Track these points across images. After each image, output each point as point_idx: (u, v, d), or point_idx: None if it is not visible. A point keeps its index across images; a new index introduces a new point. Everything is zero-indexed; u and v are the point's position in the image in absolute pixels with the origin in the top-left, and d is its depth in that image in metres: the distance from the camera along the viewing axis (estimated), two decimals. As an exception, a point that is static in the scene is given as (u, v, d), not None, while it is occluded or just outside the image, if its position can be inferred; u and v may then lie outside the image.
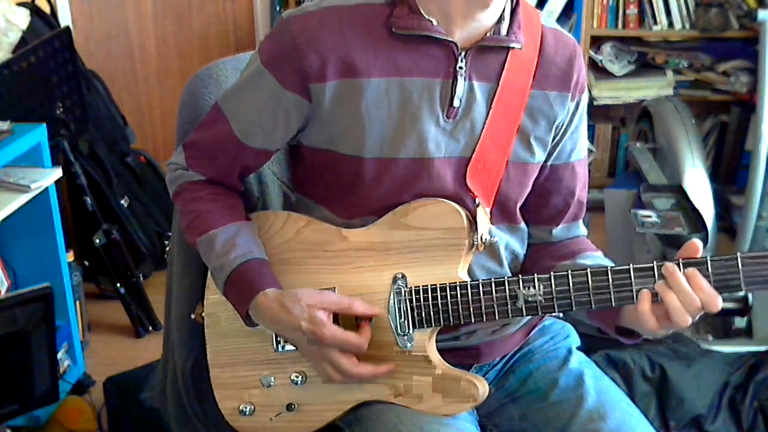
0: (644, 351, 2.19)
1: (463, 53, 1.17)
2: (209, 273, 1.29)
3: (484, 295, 1.16)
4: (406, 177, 1.19)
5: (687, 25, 3.47)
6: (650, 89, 3.56)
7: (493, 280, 1.16)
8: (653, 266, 1.10)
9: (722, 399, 2.14)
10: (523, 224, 1.31)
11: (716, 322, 2.66)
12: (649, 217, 2.65)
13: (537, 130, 1.24)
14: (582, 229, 1.36)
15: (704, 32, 3.41)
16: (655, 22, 3.48)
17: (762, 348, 2.32)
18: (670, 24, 3.48)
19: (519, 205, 1.28)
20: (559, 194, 1.31)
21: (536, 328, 1.38)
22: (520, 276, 1.15)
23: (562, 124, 1.26)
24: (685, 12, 3.45)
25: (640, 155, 3.21)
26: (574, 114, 1.27)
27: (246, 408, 1.26)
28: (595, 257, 1.29)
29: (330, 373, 1.18)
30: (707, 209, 2.78)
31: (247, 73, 1.23)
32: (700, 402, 2.12)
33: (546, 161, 1.28)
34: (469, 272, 1.22)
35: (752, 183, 2.72)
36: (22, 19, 2.71)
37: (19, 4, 2.80)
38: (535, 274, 1.15)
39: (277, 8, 3.95)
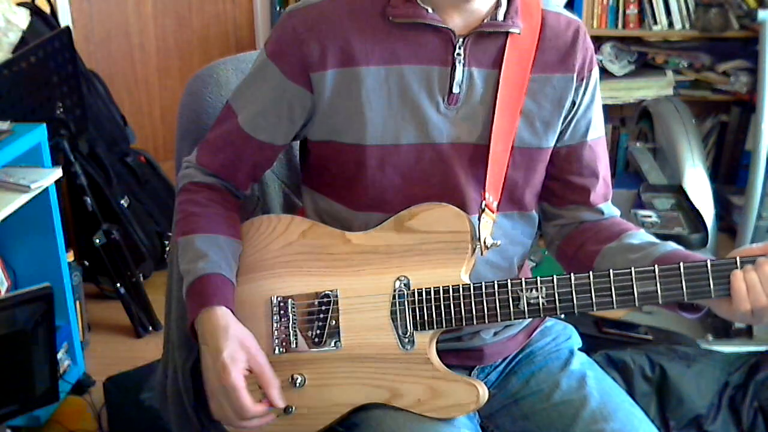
0: (644, 351, 2.19)
1: (461, 40, 1.18)
2: None
3: (486, 297, 1.16)
4: (409, 163, 1.20)
5: (687, 25, 3.46)
6: (650, 89, 3.56)
7: (496, 282, 1.16)
8: (654, 269, 1.11)
9: (722, 399, 2.14)
10: (534, 212, 1.31)
11: (716, 322, 2.66)
12: (649, 217, 2.65)
13: (542, 113, 1.24)
14: (615, 210, 1.35)
15: (704, 32, 3.41)
16: (655, 22, 3.48)
17: (762, 348, 2.32)
18: (670, 24, 3.47)
19: (530, 191, 1.28)
20: (582, 175, 1.30)
21: (538, 330, 1.38)
22: (523, 278, 1.16)
23: (572, 105, 1.26)
24: (685, 12, 3.45)
25: (640, 155, 3.22)
26: (584, 93, 1.26)
27: None
28: (639, 235, 1.27)
29: (213, 404, 1.19)
30: (707, 209, 2.78)
31: (254, 68, 1.25)
32: (700, 402, 2.12)
33: (558, 143, 1.28)
34: (476, 270, 1.22)
35: (752, 183, 2.72)
36: (22, 19, 2.71)
37: (19, 4, 2.80)
38: (538, 277, 1.15)
39: (277, 8, 3.95)
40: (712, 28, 3.37)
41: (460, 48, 1.18)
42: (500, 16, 1.20)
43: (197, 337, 1.21)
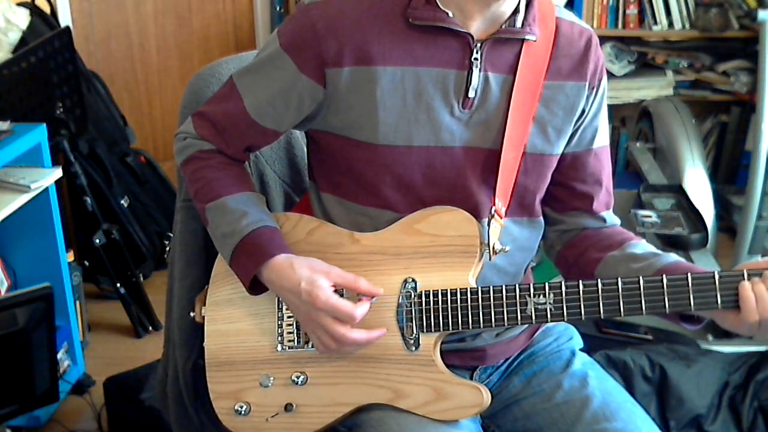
0: (644, 351, 2.19)
1: (478, 45, 1.18)
2: (215, 264, 1.30)
3: (494, 301, 1.16)
4: (421, 165, 1.20)
5: (687, 25, 3.46)
6: (650, 89, 3.56)
7: (504, 287, 1.16)
8: (662, 279, 1.12)
9: (722, 399, 2.14)
10: (541, 219, 1.31)
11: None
12: (649, 217, 2.65)
13: (554, 120, 1.24)
14: (616, 219, 1.36)
15: (704, 32, 3.41)
16: (655, 22, 3.48)
17: (762, 348, 2.32)
18: (670, 24, 3.47)
19: (538, 197, 1.28)
20: (586, 182, 1.31)
21: (540, 330, 1.38)
22: (531, 284, 1.16)
23: (582, 113, 1.27)
24: (685, 12, 3.45)
25: (640, 155, 3.22)
26: (593, 102, 1.27)
27: (242, 408, 1.26)
28: (641, 245, 1.29)
29: (324, 340, 1.18)
30: (707, 209, 2.78)
31: (265, 54, 1.24)
32: (700, 402, 2.12)
33: (565, 149, 1.28)
34: (483, 274, 1.22)
35: (752, 183, 2.72)
36: (22, 19, 2.71)
37: (19, 4, 2.80)
38: (546, 283, 1.15)
39: (277, 8, 3.95)
40: (712, 28, 3.37)
41: (477, 52, 1.18)
42: (518, 23, 1.20)
43: (257, 292, 1.22)
